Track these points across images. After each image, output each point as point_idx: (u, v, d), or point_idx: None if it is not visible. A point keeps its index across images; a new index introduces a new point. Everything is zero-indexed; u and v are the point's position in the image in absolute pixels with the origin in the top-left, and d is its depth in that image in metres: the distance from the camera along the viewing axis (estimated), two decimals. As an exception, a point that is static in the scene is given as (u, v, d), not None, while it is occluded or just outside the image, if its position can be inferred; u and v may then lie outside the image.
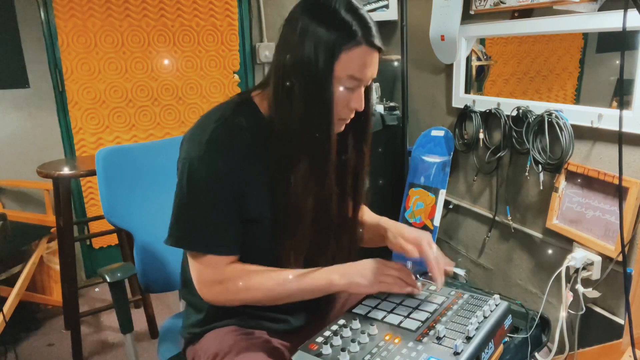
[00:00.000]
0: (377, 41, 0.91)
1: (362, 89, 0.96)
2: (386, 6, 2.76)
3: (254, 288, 0.96)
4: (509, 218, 2.10)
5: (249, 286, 0.96)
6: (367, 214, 1.23)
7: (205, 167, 0.93)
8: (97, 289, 2.82)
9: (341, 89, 0.93)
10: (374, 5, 2.76)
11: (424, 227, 2.41)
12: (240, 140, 0.95)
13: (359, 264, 0.98)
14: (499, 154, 2.08)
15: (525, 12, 1.87)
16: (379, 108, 2.65)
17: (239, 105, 1.00)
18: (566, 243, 1.82)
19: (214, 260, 0.97)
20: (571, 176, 1.78)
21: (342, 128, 1.00)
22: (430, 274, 1.04)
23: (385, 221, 1.16)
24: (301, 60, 0.89)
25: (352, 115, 0.99)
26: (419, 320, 0.94)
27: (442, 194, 2.37)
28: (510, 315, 1.01)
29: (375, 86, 2.71)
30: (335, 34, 0.88)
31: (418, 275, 1.09)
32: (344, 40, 0.88)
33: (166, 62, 2.86)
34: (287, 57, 0.91)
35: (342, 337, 0.89)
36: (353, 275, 0.96)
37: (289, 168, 0.96)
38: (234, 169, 0.94)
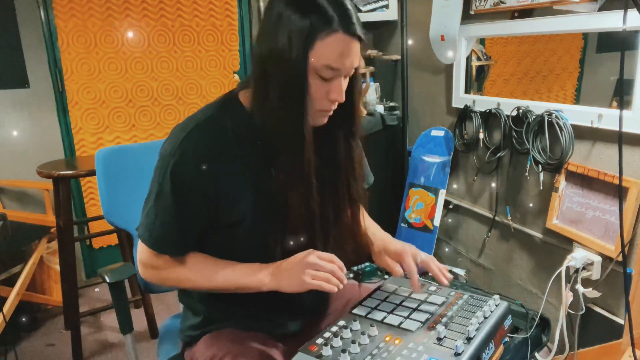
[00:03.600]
0: (357, 29, 0.87)
1: (342, 79, 0.91)
2: (386, 6, 2.75)
3: (183, 281, 1.01)
4: (509, 218, 2.10)
5: (179, 279, 1.00)
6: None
7: (174, 168, 0.92)
8: (97, 289, 2.82)
9: (318, 79, 0.89)
10: (374, 5, 2.76)
11: (424, 227, 2.41)
12: (221, 141, 0.93)
13: (290, 261, 0.94)
14: (499, 154, 2.08)
15: (525, 12, 1.87)
16: (379, 108, 2.65)
17: (224, 103, 0.99)
18: (566, 243, 1.82)
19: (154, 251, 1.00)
20: (571, 176, 1.78)
21: (325, 120, 0.97)
22: (431, 276, 1.04)
23: (371, 232, 1.14)
24: (275, 49, 0.86)
25: (334, 107, 0.95)
26: (419, 321, 0.94)
27: (442, 194, 2.37)
28: (510, 316, 1.01)
29: (375, 86, 2.71)
30: (310, 20, 0.84)
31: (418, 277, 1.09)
32: (319, 26, 0.84)
33: (166, 62, 2.86)
34: (263, 47, 0.89)
35: (342, 338, 0.89)
36: (282, 275, 0.93)
37: (270, 164, 0.94)
38: (205, 172, 0.92)
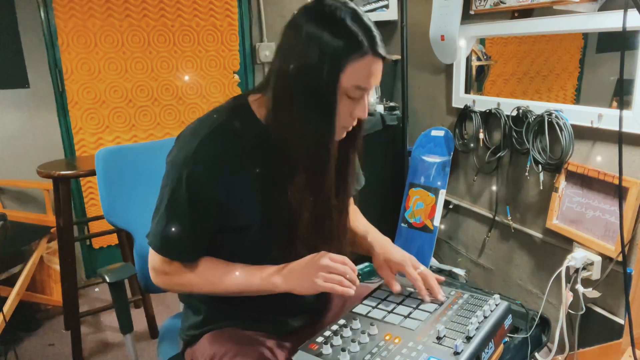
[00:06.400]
0: (382, 50, 0.90)
1: (366, 98, 0.95)
2: (386, 6, 2.76)
3: (195, 286, 1.00)
4: (509, 218, 2.10)
5: (192, 284, 1.00)
6: (359, 220, 1.21)
7: (190, 176, 0.92)
8: (97, 289, 2.82)
9: (346, 98, 0.91)
10: (374, 5, 2.76)
11: (424, 227, 2.41)
12: (231, 147, 0.94)
13: (301, 263, 0.95)
14: (499, 154, 2.08)
15: (525, 12, 1.87)
16: (379, 108, 2.65)
17: (234, 110, 0.99)
18: (566, 243, 1.82)
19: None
20: (571, 176, 1.78)
21: (344, 135, 0.98)
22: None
23: (372, 236, 1.15)
24: (305, 69, 0.87)
25: (355, 123, 0.98)
26: (419, 320, 0.94)
27: (442, 194, 2.37)
28: (510, 315, 1.01)
29: (375, 86, 2.71)
30: (342, 45, 0.86)
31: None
32: (350, 50, 0.86)
33: (166, 62, 2.86)
34: (290, 64, 0.89)
35: (342, 337, 0.89)
36: (295, 277, 0.94)
37: (285, 176, 0.94)
38: (218, 179, 0.93)
